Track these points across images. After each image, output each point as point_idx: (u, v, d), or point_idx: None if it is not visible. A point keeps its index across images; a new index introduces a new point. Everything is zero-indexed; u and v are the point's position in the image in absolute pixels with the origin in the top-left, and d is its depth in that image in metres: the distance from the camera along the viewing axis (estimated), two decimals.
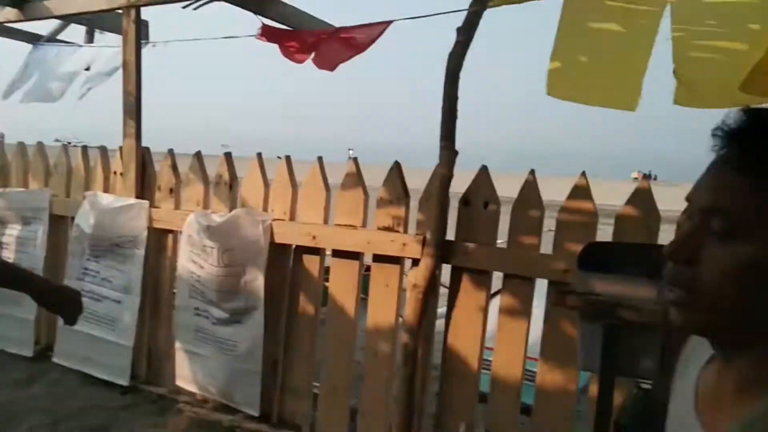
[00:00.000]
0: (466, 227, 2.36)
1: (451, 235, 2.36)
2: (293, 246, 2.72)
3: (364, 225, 2.57)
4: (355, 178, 2.59)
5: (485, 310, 2.31)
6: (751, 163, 0.61)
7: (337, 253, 2.60)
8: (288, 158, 2.80)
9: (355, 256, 2.57)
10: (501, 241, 2.41)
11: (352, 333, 2.57)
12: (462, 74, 2.30)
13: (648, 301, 1.74)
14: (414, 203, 2.44)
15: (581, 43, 2.36)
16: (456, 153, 2.34)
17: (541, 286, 2.25)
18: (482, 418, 2.34)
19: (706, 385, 0.74)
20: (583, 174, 2.23)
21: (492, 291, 2.39)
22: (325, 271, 2.73)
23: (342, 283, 2.59)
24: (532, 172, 2.30)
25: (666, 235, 1.84)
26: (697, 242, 0.65)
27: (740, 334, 0.65)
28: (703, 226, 0.65)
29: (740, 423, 0.62)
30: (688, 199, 0.68)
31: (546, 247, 2.24)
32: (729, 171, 0.63)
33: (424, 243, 2.34)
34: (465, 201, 2.37)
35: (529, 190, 2.26)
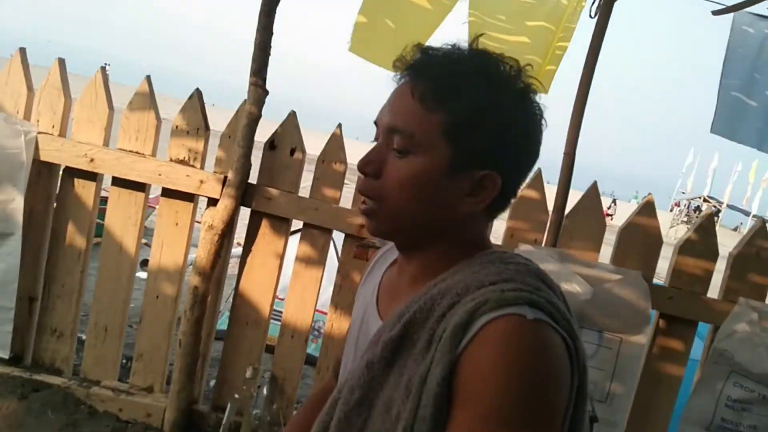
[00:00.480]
0: (269, 172, 2.36)
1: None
2: (62, 167, 2.43)
3: (153, 154, 2.40)
4: (147, 99, 2.38)
5: (281, 257, 2.39)
6: (422, 94, 0.76)
7: (119, 182, 2.40)
8: (62, 61, 2.44)
9: (139, 187, 2.40)
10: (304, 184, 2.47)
11: (129, 271, 2.44)
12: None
13: None
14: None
15: (388, 6, 2.49)
16: (266, 92, 2.30)
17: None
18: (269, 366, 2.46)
19: (387, 282, 0.93)
20: None
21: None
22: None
23: (122, 216, 2.42)
24: (339, 126, 2.38)
25: None
26: (382, 157, 0.80)
27: (417, 235, 0.82)
28: (387, 143, 0.80)
29: (402, 304, 0.80)
30: (375, 122, 0.83)
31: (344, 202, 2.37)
32: (406, 98, 0.78)
33: (224, 183, 2.29)
34: (271, 145, 2.37)
35: (335, 143, 2.35)
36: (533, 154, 0.82)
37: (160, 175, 2.33)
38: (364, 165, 0.80)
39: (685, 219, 30.24)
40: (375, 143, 0.82)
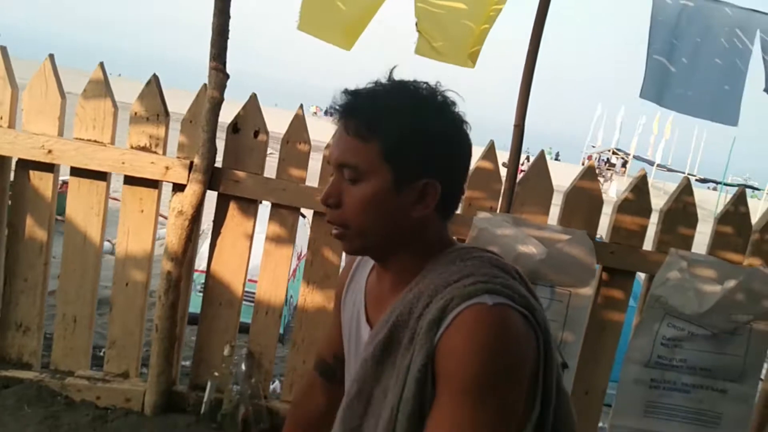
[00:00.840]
0: (234, 155, 2.43)
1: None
2: (14, 159, 2.39)
3: (112, 142, 2.41)
4: (102, 86, 2.38)
5: (251, 238, 2.48)
6: (357, 131, 0.92)
7: (78, 172, 2.40)
8: (4, 49, 2.37)
9: (101, 176, 2.41)
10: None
11: (95, 261, 2.46)
12: None
13: None
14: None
15: None
16: (227, 76, 2.36)
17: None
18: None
19: (371, 289, 1.08)
20: None
21: None
22: None
23: (84, 206, 2.42)
24: (301, 106, 2.47)
25: None
26: (339, 189, 0.95)
27: (384, 247, 0.97)
28: (341, 176, 0.95)
29: (387, 310, 0.97)
30: (327, 159, 0.99)
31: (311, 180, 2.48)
32: (346, 136, 0.93)
33: (190, 168, 2.34)
34: (234, 128, 2.43)
35: (298, 123, 2.44)
36: (464, 155, 0.98)
37: (123, 163, 2.35)
38: (326, 198, 0.95)
39: (596, 172, 31.83)
40: (331, 177, 0.98)
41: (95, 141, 2.38)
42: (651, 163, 35.05)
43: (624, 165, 39.75)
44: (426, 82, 0.95)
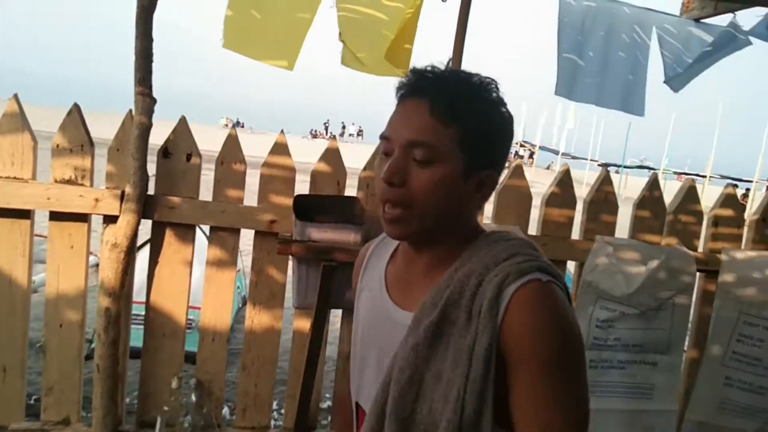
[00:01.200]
0: (166, 180, 2.46)
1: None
2: None
3: (34, 177, 2.37)
4: (18, 119, 2.34)
5: (191, 264, 2.51)
6: (436, 110, 0.94)
7: None
8: None
9: (23, 214, 2.37)
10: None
11: (23, 305, 2.41)
12: None
13: (354, 243, 2.28)
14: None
15: None
16: (154, 100, 2.38)
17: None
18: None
19: (394, 274, 1.09)
20: (282, 132, 2.59)
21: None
22: None
23: (7, 247, 2.36)
24: (234, 126, 2.53)
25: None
26: (404, 168, 0.95)
27: (434, 231, 0.99)
28: (407, 156, 0.95)
29: (429, 292, 0.98)
30: (386, 137, 1.02)
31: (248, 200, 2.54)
32: (421, 115, 0.94)
33: (122, 198, 2.35)
34: (164, 153, 2.45)
35: (232, 143, 2.50)
36: (509, 150, 1.07)
37: (48, 199, 2.31)
38: (390, 176, 0.95)
39: (507, 165, 33.27)
40: (386, 155, 0.98)
41: (15, 178, 2.33)
42: (556, 153, 36.96)
43: (531, 156, 41.70)
44: (487, 76, 0.99)
